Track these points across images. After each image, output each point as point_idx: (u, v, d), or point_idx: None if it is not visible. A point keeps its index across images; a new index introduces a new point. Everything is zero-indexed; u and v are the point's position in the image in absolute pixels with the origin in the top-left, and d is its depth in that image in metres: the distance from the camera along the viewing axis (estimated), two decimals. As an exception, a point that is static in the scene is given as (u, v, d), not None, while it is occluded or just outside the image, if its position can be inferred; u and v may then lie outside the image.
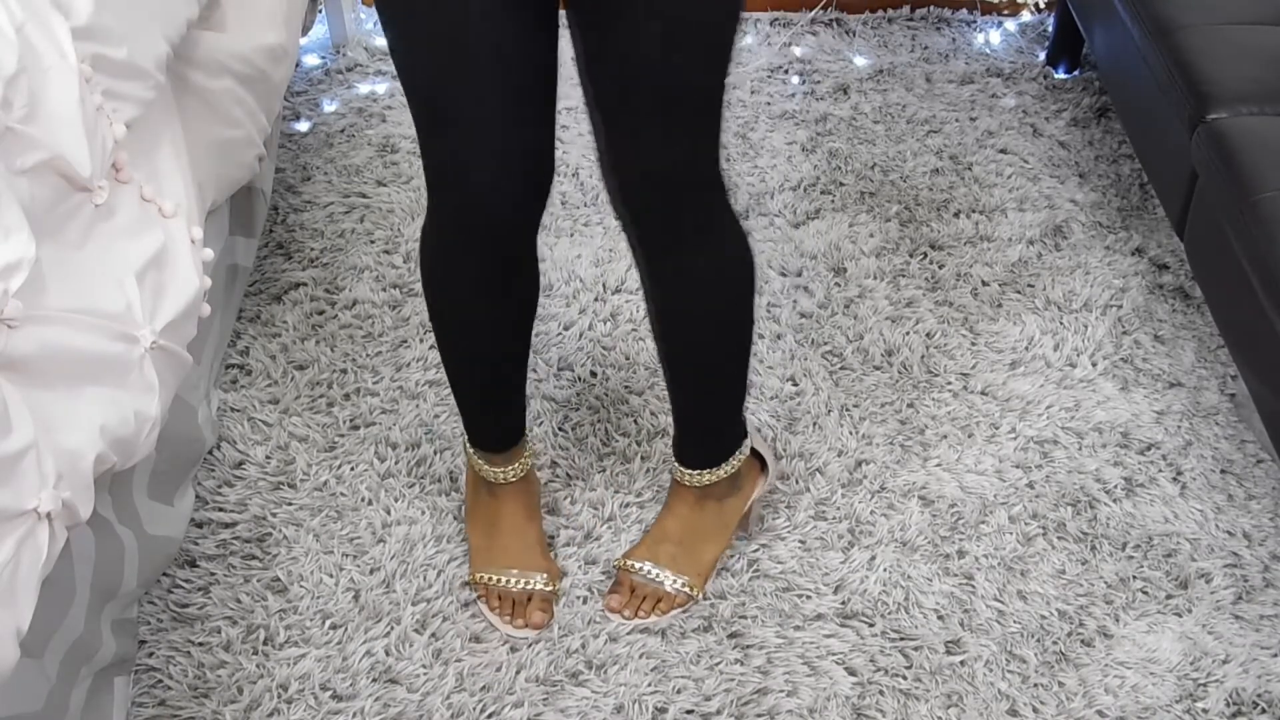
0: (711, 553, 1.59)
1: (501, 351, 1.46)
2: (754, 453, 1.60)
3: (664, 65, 1.19)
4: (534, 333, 1.95)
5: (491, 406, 1.52)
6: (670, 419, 1.80)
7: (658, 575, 1.56)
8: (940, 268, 2.09)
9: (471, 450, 1.56)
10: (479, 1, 1.17)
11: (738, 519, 1.61)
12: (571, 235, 2.14)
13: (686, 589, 1.56)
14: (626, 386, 1.86)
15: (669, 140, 1.25)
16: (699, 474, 1.54)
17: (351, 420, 1.81)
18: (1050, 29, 2.64)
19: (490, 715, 1.46)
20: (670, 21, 1.17)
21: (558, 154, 2.33)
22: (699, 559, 1.58)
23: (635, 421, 1.81)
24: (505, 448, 1.55)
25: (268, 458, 1.75)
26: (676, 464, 1.56)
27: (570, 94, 2.54)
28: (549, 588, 1.55)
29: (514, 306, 1.43)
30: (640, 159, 1.27)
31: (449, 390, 1.85)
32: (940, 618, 1.56)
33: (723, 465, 1.54)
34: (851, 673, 1.50)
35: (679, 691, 1.48)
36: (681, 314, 1.41)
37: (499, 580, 1.55)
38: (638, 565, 1.56)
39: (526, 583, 1.55)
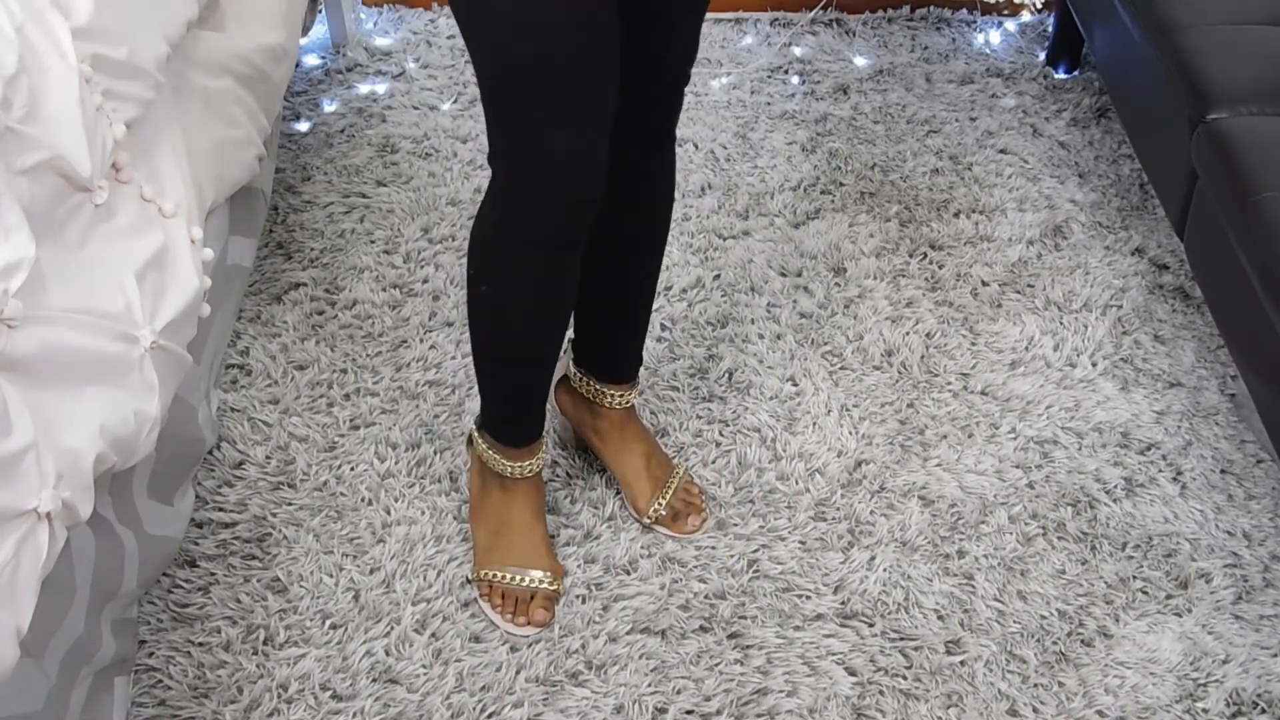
0: (652, 437, 1.73)
1: (552, 344, 1.48)
2: None
3: None
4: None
5: (530, 400, 1.53)
6: (670, 418, 1.80)
7: (672, 486, 1.67)
8: (940, 268, 2.09)
9: (486, 444, 1.56)
10: (607, 9, 1.24)
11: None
12: (571, 235, 2.14)
13: (681, 470, 1.70)
14: (626, 386, 1.86)
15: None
16: (631, 389, 1.65)
17: (351, 420, 1.81)
18: (1050, 29, 2.64)
19: (490, 715, 1.46)
20: None
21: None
22: (660, 451, 1.71)
23: (635, 421, 1.81)
24: (529, 442, 1.56)
25: (268, 458, 1.75)
26: (613, 392, 1.65)
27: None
28: (553, 586, 1.55)
29: (571, 298, 1.45)
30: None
31: (449, 390, 1.85)
32: (940, 618, 1.56)
33: (636, 379, 1.66)
34: (851, 673, 1.50)
35: (679, 692, 1.48)
36: (624, 255, 1.55)
37: (503, 578, 1.55)
38: (659, 500, 1.65)
39: (530, 581, 1.55)
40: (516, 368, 1.50)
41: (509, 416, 1.55)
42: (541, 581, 1.55)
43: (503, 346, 1.48)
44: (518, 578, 1.55)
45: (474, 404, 1.83)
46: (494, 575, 1.56)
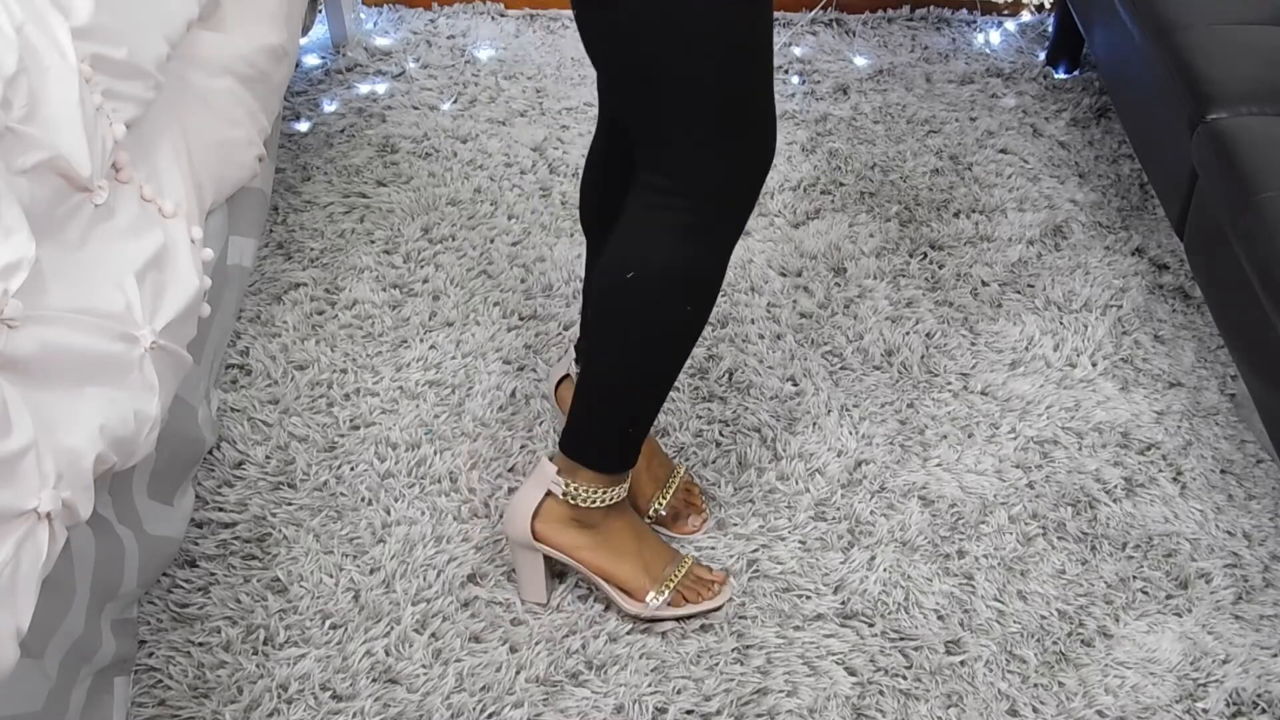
0: (654, 442, 1.68)
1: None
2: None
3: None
4: (533, 333, 1.95)
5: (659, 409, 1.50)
6: (670, 418, 1.80)
7: (671, 485, 1.66)
8: (940, 268, 2.09)
9: (597, 485, 1.46)
10: None
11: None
12: (571, 235, 2.14)
13: (676, 469, 1.68)
14: (626, 386, 1.86)
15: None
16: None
17: (351, 420, 1.81)
18: (1050, 29, 2.64)
19: (490, 715, 1.46)
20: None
21: (558, 153, 2.34)
22: (662, 453, 1.69)
23: (635, 421, 1.81)
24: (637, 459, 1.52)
25: (268, 458, 1.75)
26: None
27: (570, 94, 2.54)
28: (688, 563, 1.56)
29: None
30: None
31: (449, 390, 1.85)
32: (940, 618, 1.56)
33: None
34: (851, 673, 1.50)
35: (679, 691, 1.48)
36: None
37: (676, 573, 1.54)
38: (660, 503, 1.64)
39: (686, 565, 1.55)
40: (669, 377, 1.44)
41: (644, 431, 1.47)
42: (684, 562, 1.56)
43: (674, 361, 1.41)
44: (678, 570, 1.54)
45: (473, 404, 1.83)
46: (673, 574, 1.53)
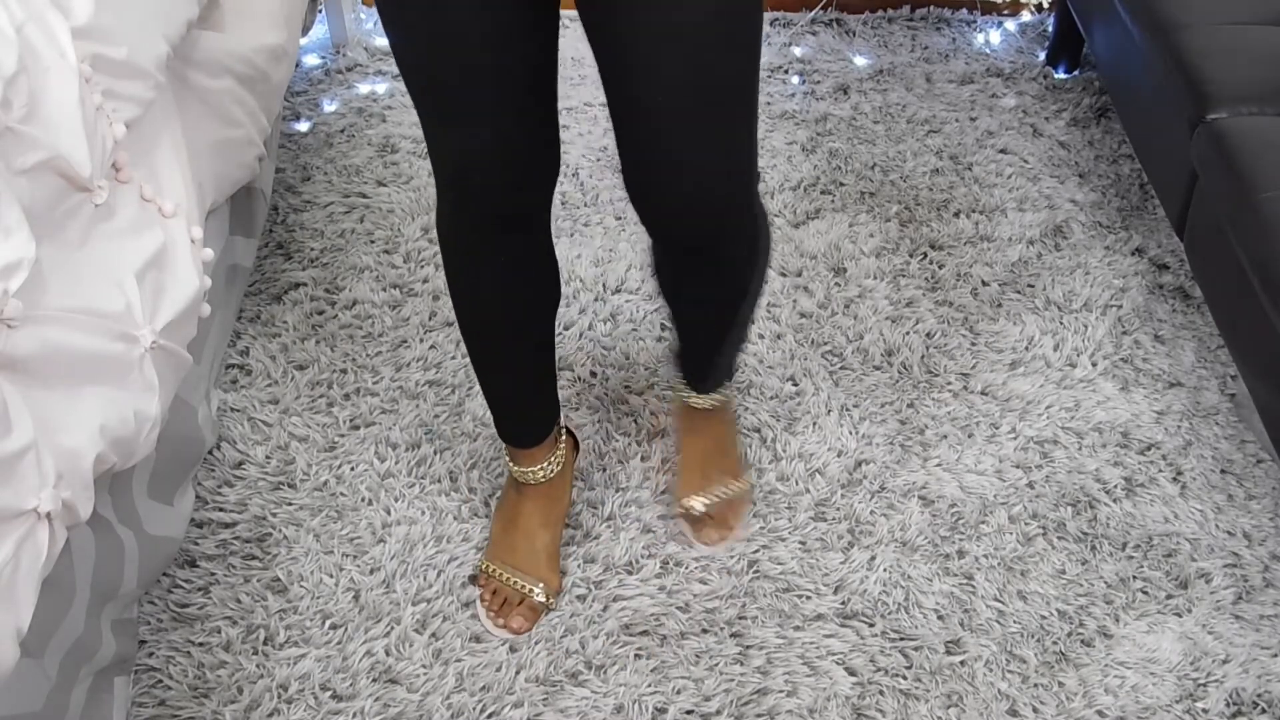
0: (736, 449, 1.69)
1: (518, 344, 1.47)
2: None
3: (676, 61, 1.12)
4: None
5: (509, 399, 1.53)
6: (672, 418, 1.80)
7: (719, 493, 1.63)
8: (940, 268, 2.09)
9: (503, 443, 1.58)
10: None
11: (735, 412, 1.71)
12: (571, 235, 2.14)
13: (742, 486, 1.66)
14: (626, 386, 1.86)
15: (692, 151, 1.18)
16: (710, 397, 1.62)
17: (351, 420, 1.81)
18: (1050, 29, 2.64)
19: (490, 715, 1.46)
20: (681, 8, 1.10)
21: (558, 154, 2.34)
22: (732, 459, 1.67)
23: (635, 421, 1.81)
24: (526, 445, 1.56)
25: (268, 458, 1.75)
26: (688, 388, 1.62)
27: (570, 94, 2.54)
28: (542, 598, 1.55)
29: (527, 299, 1.43)
30: (658, 179, 1.22)
31: (449, 390, 1.85)
32: (940, 618, 1.56)
33: (732, 383, 1.63)
34: (851, 673, 1.50)
35: (679, 692, 1.48)
36: (689, 299, 1.44)
37: (500, 576, 1.56)
38: (697, 499, 1.62)
39: (522, 587, 1.55)
40: (483, 363, 1.50)
41: (497, 412, 1.55)
42: (531, 590, 1.55)
43: (467, 340, 1.49)
44: (511, 579, 1.55)
45: (473, 404, 1.83)
46: (492, 570, 1.57)
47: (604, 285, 2.04)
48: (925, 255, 2.11)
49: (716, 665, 1.51)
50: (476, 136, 1.24)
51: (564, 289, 2.04)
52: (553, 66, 1.26)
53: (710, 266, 1.34)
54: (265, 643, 1.52)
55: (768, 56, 2.62)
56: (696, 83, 1.13)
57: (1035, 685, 1.49)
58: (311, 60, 2.61)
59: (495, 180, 1.28)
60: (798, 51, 2.65)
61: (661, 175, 1.21)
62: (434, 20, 1.17)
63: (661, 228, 1.29)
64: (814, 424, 1.81)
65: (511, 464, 1.58)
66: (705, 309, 1.45)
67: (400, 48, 1.22)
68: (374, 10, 2.75)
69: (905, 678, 1.50)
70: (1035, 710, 1.47)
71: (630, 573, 1.61)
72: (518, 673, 1.50)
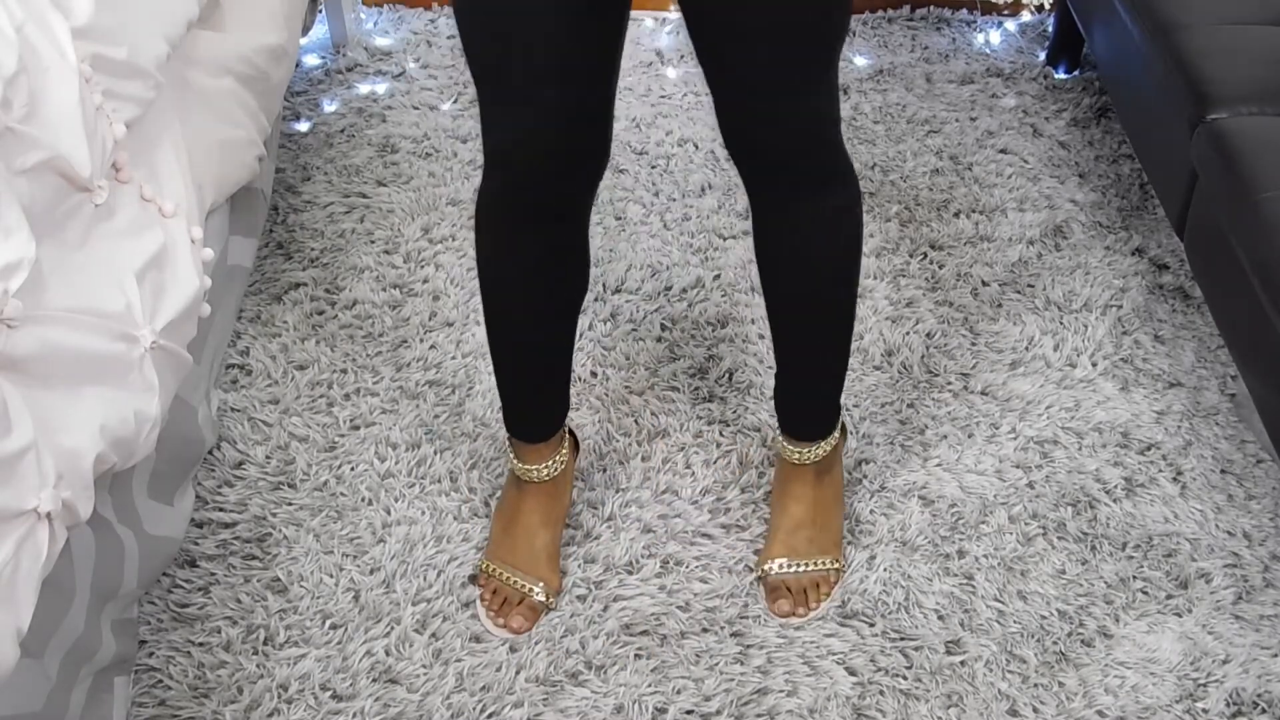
0: (838, 521, 1.61)
1: (540, 335, 1.47)
2: None
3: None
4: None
5: (524, 391, 1.53)
6: (670, 419, 1.80)
7: (806, 566, 1.57)
8: (940, 268, 2.09)
9: (507, 436, 1.57)
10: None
11: (842, 480, 1.63)
12: (571, 235, 2.14)
13: (835, 565, 1.58)
14: (626, 386, 1.86)
15: (780, 86, 1.24)
16: (813, 447, 1.56)
17: (351, 420, 1.81)
18: (1050, 29, 2.64)
19: (490, 715, 1.46)
20: None
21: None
22: (832, 532, 1.60)
23: (635, 421, 1.81)
24: (534, 440, 1.55)
25: (268, 458, 1.75)
26: (788, 445, 1.57)
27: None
28: (542, 598, 1.55)
29: (555, 290, 1.43)
30: (753, 109, 1.27)
31: (449, 390, 1.85)
32: (940, 618, 1.56)
33: (833, 434, 1.57)
34: (851, 673, 1.50)
35: (679, 691, 1.48)
36: (792, 262, 1.42)
37: (500, 575, 1.56)
38: (782, 564, 1.56)
39: (522, 586, 1.55)
40: (503, 352, 1.50)
41: (510, 404, 1.54)
42: (531, 590, 1.55)
43: (489, 328, 1.49)
44: (511, 579, 1.55)
45: (473, 404, 1.83)
46: (492, 569, 1.56)
47: (604, 285, 2.04)
48: (925, 255, 2.11)
49: (717, 665, 1.51)
50: (530, 120, 1.26)
51: (564, 289, 2.04)
52: (614, 62, 1.28)
53: (809, 216, 1.36)
54: (265, 643, 1.52)
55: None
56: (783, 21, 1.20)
57: (1035, 685, 1.49)
58: (311, 60, 2.61)
59: (540, 166, 1.30)
60: (798, 51, 2.64)
61: (758, 107, 1.27)
62: (503, 3, 1.20)
63: (761, 163, 1.32)
64: (814, 424, 1.81)
65: (515, 461, 1.57)
66: (806, 282, 1.43)
67: (466, 27, 1.23)
68: (374, 10, 2.75)
69: (905, 678, 1.50)
70: (1035, 710, 1.47)
71: (630, 573, 1.61)
72: (518, 673, 1.50)
